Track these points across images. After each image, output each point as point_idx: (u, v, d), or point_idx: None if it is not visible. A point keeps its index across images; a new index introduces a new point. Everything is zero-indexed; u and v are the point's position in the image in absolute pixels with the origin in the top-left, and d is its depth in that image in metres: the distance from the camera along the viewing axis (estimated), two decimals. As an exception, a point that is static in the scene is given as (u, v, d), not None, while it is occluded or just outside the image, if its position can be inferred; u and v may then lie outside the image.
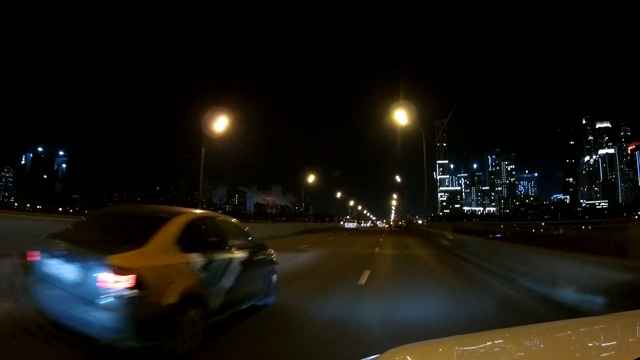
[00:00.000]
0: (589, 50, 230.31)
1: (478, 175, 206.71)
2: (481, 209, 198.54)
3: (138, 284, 2.73)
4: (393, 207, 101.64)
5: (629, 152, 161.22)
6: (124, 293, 2.68)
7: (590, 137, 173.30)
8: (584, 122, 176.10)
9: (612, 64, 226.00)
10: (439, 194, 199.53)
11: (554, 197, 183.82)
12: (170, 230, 3.28)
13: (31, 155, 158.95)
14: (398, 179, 52.81)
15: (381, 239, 23.36)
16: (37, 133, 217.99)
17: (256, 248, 4.70)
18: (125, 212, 3.99)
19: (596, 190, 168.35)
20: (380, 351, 1.29)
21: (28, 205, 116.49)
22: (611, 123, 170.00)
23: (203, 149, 18.25)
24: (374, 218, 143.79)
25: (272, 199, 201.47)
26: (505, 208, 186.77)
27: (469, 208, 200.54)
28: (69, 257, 2.95)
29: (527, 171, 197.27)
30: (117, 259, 2.75)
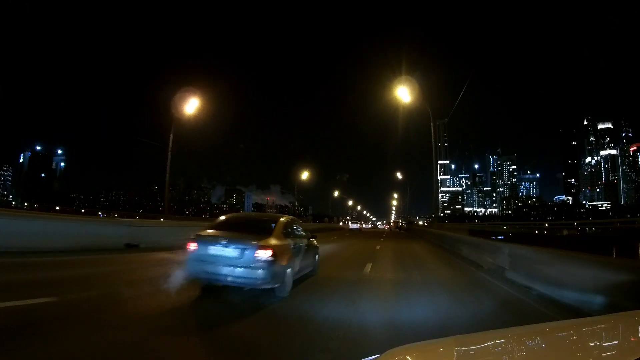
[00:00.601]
0: (589, 50, 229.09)
1: (479, 176, 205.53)
2: (482, 209, 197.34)
3: (273, 254, 5.05)
4: (393, 208, 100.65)
5: (631, 153, 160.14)
6: (268, 259, 4.99)
7: (592, 138, 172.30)
8: (585, 122, 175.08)
9: (613, 64, 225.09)
10: (440, 195, 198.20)
11: (556, 198, 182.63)
12: (279, 226, 5.88)
13: (29, 153, 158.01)
14: (399, 176, 51.13)
15: (378, 247, 17.05)
16: (35, 131, 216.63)
17: (310, 237, 7.35)
18: (249, 217, 7.78)
19: (598, 191, 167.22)
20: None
21: (26, 204, 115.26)
22: (613, 124, 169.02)
23: (171, 136, 16.91)
24: (374, 219, 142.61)
25: (271, 198, 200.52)
26: (507, 209, 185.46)
27: (470, 209, 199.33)
28: (228, 243, 5.12)
29: (528, 172, 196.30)
30: (263, 241, 5.15)
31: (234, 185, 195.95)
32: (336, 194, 68.13)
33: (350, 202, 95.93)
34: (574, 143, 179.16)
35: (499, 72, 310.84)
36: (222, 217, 6.68)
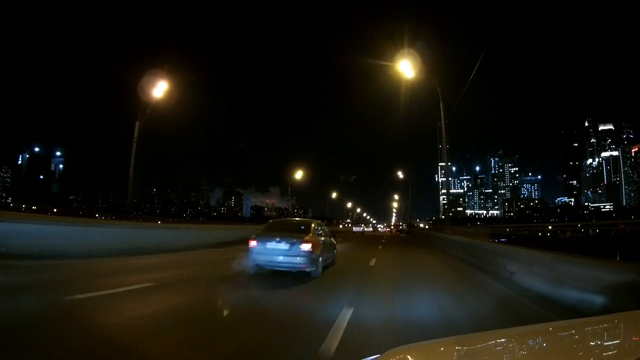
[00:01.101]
0: (589, 50, 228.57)
1: (481, 178, 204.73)
2: (484, 212, 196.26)
3: (312, 247, 7.29)
4: (394, 210, 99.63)
5: (633, 154, 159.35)
6: (309, 250, 7.23)
7: (593, 140, 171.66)
8: (586, 124, 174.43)
9: (614, 65, 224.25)
10: (441, 197, 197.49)
11: (558, 200, 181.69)
12: (313, 227, 8.33)
13: (27, 155, 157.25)
14: (401, 175, 49.68)
15: (373, 261, 11.44)
16: (34, 133, 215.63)
17: (330, 235, 9.80)
18: (288, 222, 9.78)
19: (600, 193, 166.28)
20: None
21: (24, 206, 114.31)
22: (614, 125, 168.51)
23: (137, 124, 15.74)
24: (374, 221, 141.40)
25: (271, 201, 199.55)
26: (509, 211, 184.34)
27: (472, 211, 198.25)
28: (281, 240, 7.39)
29: (530, 174, 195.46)
30: (305, 238, 7.41)
31: (233, 187, 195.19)
32: (334, 195, 65.87)
33: (349, 204, 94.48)
34: (576, 145, 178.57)
35: (499, 74, 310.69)
36: (269, 222, 9.80)
